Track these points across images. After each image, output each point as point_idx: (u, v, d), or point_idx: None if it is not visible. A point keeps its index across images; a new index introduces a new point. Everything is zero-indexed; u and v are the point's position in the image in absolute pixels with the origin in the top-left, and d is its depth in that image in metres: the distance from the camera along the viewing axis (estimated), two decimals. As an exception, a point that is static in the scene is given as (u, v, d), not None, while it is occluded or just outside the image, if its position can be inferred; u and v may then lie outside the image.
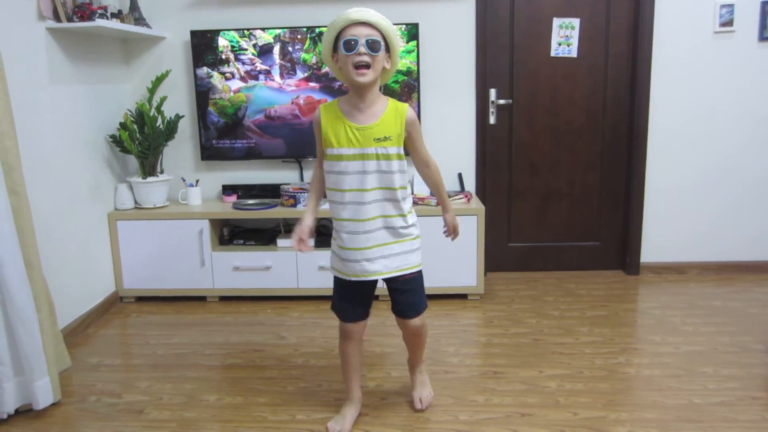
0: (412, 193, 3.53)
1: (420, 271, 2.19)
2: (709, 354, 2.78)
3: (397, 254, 2.11)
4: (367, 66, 1.94)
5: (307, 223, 2.14)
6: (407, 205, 2.13)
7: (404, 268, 2.13)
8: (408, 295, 2.18)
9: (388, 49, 2.00)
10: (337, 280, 2.20)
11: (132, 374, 2.72)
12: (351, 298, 2.18)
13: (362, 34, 1.93)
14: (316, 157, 2.17)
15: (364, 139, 2.00)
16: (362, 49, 1.92)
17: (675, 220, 3.86)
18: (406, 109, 2.06)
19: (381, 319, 3.16)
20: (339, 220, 2.10)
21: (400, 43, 1.98)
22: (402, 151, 2.06)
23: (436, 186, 2.25)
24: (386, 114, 2.03)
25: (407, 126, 2.05)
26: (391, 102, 2.07)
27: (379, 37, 1.95)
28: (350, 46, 1.93)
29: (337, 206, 2.08)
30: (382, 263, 2.09)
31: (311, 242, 3.50)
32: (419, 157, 2.16)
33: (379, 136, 2.00)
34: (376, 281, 2.15)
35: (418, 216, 2.24)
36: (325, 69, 3.54)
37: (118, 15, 3.32)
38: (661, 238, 3.89)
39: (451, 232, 2.30)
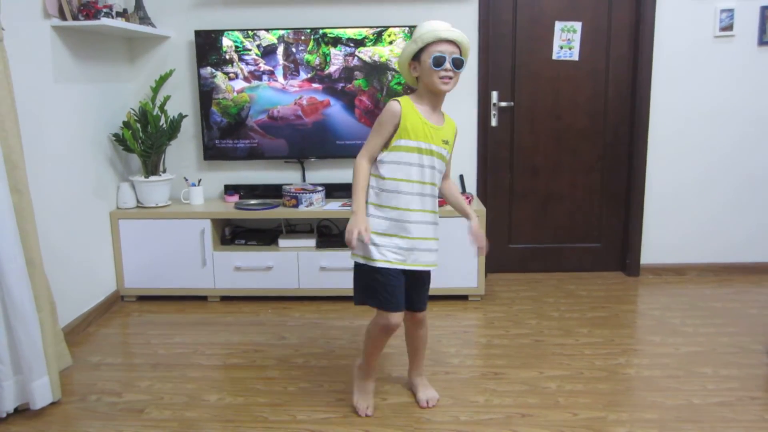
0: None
1: (359, 265, 2.26)
2: (708, 355, 2.79)
3: (435, 250, 2.25)
4: (450, 78, 2.12)
5: (364, 218, 2.12)
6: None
7: (434, 264, 2.27)
8: (425, 289, 2.33)
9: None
10: (382, 272, 2.14)
11: (133, 373, 2.73)
12: (398, 287, 2.17)
13: (449, 51, 2.09)
14: (369, 149, 2.16)
15: (436, 137, 2.16)
16: (448, 65, 2.09)
17: (675, 221, 3.88)
18: (455, 123, 2.29)
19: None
20: (404, 210, 2.14)
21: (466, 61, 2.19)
22: (449, 158, 2.27)
23: (455, 195, 2.38)
24: (446, 121, 2.24)
25: (456, 136, 2.29)
26: (446, 114, 2.27)
27: (461, 56, 2.13)
28: (439, 62, 2.08)
29: (402, 196, 2.14)
30: (433, 256, 2.24)
31: (309, 242, 3.54)
32: (448, 165, 2.31)
33: (444, 138, 2.20)
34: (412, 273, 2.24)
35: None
36: (328, 70, 3.55)
37: (123, 14, 3.33)
38: (661, 239, 3.90)
39: (480, 240, 2.32)
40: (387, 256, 2.14)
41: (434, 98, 2.18)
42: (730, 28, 3.63)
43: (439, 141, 2.17)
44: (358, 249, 2.14)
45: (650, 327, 3.14)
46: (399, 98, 2.16)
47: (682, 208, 3.86)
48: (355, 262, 2.21)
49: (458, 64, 2.11)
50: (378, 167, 2.16)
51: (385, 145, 2.15)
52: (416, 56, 2.13)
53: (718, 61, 3.68)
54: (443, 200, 3.27)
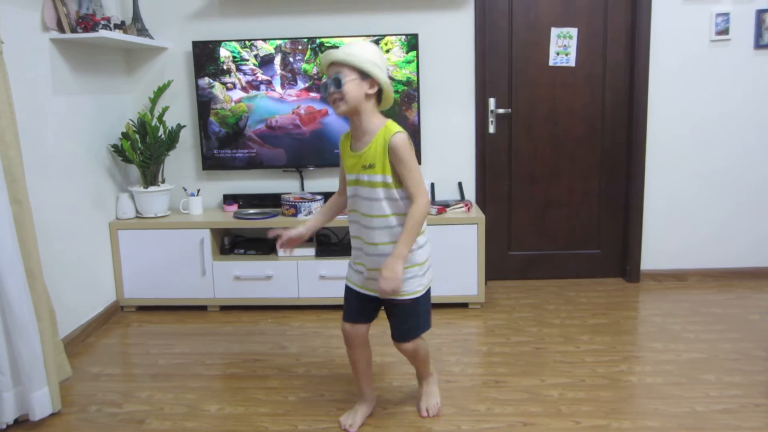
0: (433, 203, 3.55)
1: (416, 299, 2.16)
2: (710, 361, 2.78)
3: (384, 278, 2.02)
4: (339, 99, 2.03)
5: (300, 230, 2.31)
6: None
7: (399, 294, 2.11)
8: (399, 319, 2.20)
9: (366, 77, 2.02)
10: (346, 286, 2.32)
11: (133, 384, 2.72)
12: (353, 302, 2.28)
13: (330, 73, 2.05)
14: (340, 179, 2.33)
15: (356, 165, 2.11)
16: (331, 88, 2.03)
17: (675, 227, 3.87)
18: (391, 136, 2.02)
19: (382, 329, 3.13)
20: (352, 237, 2.24)
21: (373, 67, 2.01)
22: (389, 180, 2.05)
23: (407, 224, 2.03)
24: (374, 142, 2.06)
25: (389, 154, 2.03)
26: (384, 128, 2.06)
27: (341, 73, 2.00)
28: (323, 88, 2.07)
29: (351, 225, 2.22)
30: (373, 284, 2.14)
31: (308, 251, 3.53)
32: (405, 189, 2.07)
33: (365, 163, 2.08)
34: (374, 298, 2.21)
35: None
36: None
37: (121, 26, 3.34)
38: (661, 245, 3.90)
39: (378, 289, 2.04)
40: (349, 275, 2.29)
41: (350, 123, 2.13)
42: (726, 32, 3.64)
43: (359, 168, 2.08)
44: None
45: (652, 333, 3.13)
46: (347, 132, 2.22)
47: (681, 213, 3.86)
48: None
49: (337, 83, 2.00)
50: None
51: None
52: None
53: (714, 66, 3.69)
54: (441, 208, 3.25)
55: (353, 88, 2.01)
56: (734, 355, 2.84)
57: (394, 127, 2.06)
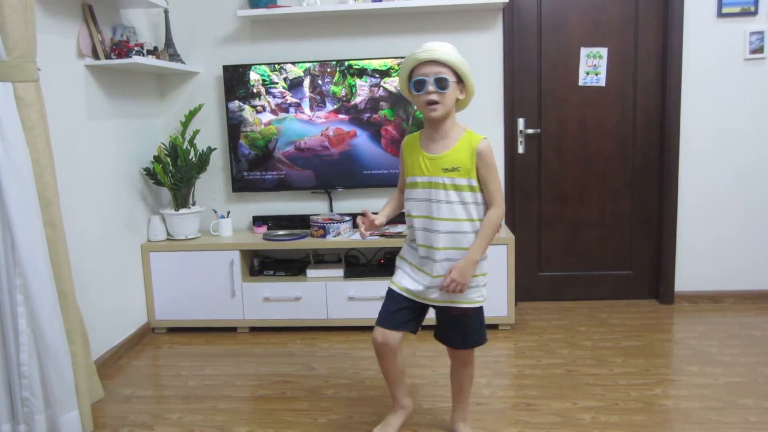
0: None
1: (480, 308, 2.19)
2: (749, 385, 2.70)
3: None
4: (437, 102, 2.00)
5: (380, 217, 2.22)
6: None
7: (463, 302, 2.13)
8: (463, 329, 2.19)
9: (460, 80, 2.05)
10: (389, 292, 2.22)
11: (163, 405, 2.73)
12: (392, 306, 2.18)
13: (431, 72, 1.99)
14: (399, 181, 2.30)
15: (433, 168, 2.07)
16: (431, 87, 1.99)
17: (709, 247, 3.80)
18: (479, 141, 2.06)
19: (411, 350, 3.14)
20: (415, 243, 2.17)
21: (469, 72, 2.04)
22: (474, 183, 2.06)
23: (484, 228, 2.08)
24: (458, 145, 2.07)
25: (477, 157, 2.04)
26: (467, 133, 2.10)
27: (447, 74, 1.99)
28: (419, 86, 2.01)
29: (411, 230, 2.17)
30: (449, 294, 2.10)
31: (337, 272, 3.53)
32: (486, 193, 2.09)
33: (447, 166, 2.05)
34: (428, 306, 2.20)
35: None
36: (354, 101, 3.58)
37: (153, 52, 3.41)
38: (696, 266, 3.82)
39: (447, 282, 2.07)
40: (395, 278, 2.22)
41: (431, 125, 2.10)
42: (760, 50, 3.59)
43: (437, 171, 2.06)
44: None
45: (687, 356, 3.06)
46: (412, 134, 2.21)
47: (716, 233, 3.78)
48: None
49: (443, 84, 1.98)
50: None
51: None
52: (409, 87, 2.10)
53: (749, 84, 3.63)
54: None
55: (452, 91, 2.02)
56: (774, 379, 2.76)
57: (476, 133, 2.10)
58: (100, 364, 3.01)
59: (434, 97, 1.99)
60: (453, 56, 1.99)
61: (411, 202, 2.14)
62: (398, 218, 2.62)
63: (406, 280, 2.17)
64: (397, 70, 3.54)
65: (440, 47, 2.00)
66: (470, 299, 2.13)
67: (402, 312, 2.17)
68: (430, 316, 2.26)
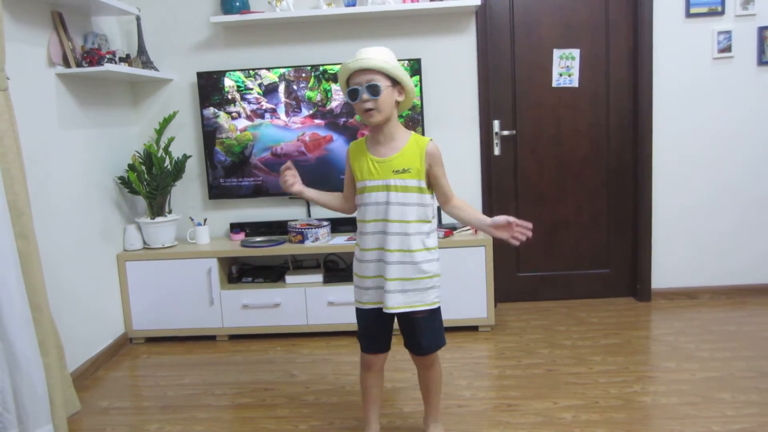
0: (440, 226, 3.54)
1: (436, 310, 2.17)
2: (726, 380, 2.74)
3: (415, 290, 2.09)
4: (372, 108, 2.01)
5: (300, 186, 2.24)
6: (430, 240, 2.13)
7: (419, 305, 2.11)
8: (422, 331, 2.16)
9: (397, 83, 2.05)
10: (358, 311, 2.23)
11: (142, 416, 2.70)
12: (370, 329, 2.21)
13: (362, 80, 2.00)
14: (345, 188, 2.29)
15: (383, 170, 2.07)
16: (364, 96, 2.00)
17: (684, 244, 3.85)
18: (426, 142, 2.09)
19: (392, 353, 3.11)
20: (364, 249, 2.14)
21: (405, 74, 2.05)
22: (423, 185, 2.09)
23: (464, 210, 2.19)
24: (407, 147, 2.08)
25: (427, 158, 2.07)
26: (414, 136, 2.12)
27: (378, 80, 1.99)
28: (353, 95, 2.02)
29: (364, 236, 2.13)
30: (400, 298, 2.09)
31: (316, 277, 3.52)
32: (440, 191, 2.15)
33: (397, 168, 2.06)
34: (393, 314, 2.15)
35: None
36: (330, 106, 3.58)
37: (126, 59, 3.38)
38: (672, 263, 3.86)
39: (515, 221, 2.09)
40: (358, 297, 2.20)
41: (375, 130, 2.10)
42: (728, 49, 3.64)
43: (387, 173, 2.06)
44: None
45: (664, 353, 3.09)
46: (356, 140, 2.22)
47: (690, 230, 3.83)
48: None
49: (374, 90, 1.98)
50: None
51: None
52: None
53: (718, 83, 3.69)
54: (448, 231, 3.24)
55: (387, 96, 2.02)
56: (749, 373, 2.79)
57: (421, 136, 2.15)
58: (77, 376, 2.97)
59: (369, 104, 2.00)
60: (381, 61, 2.00)
61: (364, 207, 2.12)
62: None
63: (367, 295, 2.16)
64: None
65: (370, 54, 2.01)
66: (428, 302, 2.12)
67: (378, 326, 2.19)
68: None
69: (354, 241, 2.22)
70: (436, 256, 2.14)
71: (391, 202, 2.06)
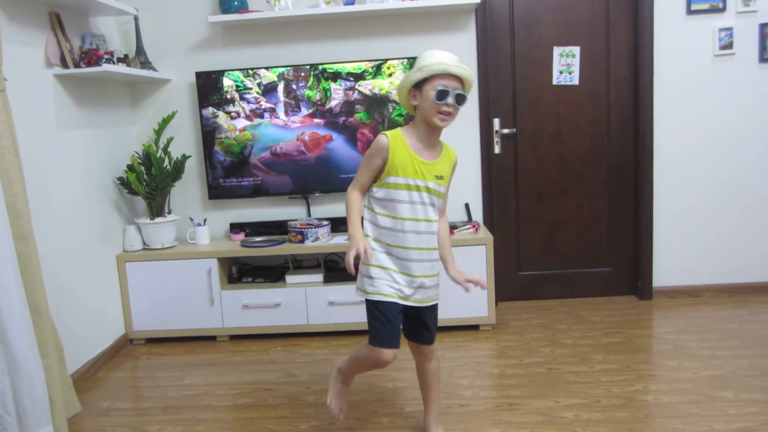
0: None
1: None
2: (728, 378, 2.73)
3: (436, 285, 2.21)
4: (449, 114, 2.06)
5: (362, 237, 2.10)
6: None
7: (436, 298, 2.23)
8: (433, 322, 2.25)
9: None
10: (378, 305, 2.10)
11: (143, 417, 2.69)
12: (393, 322, 2.11)
13: (452, 86, 2.03)
14: (359, 182, 2.15)
15: (428, 173, 2.10)
16: (450, 100, 2.03)
17: (686, 242, 3.83)
18: (455, 154, 2.21)
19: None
20: (398, 247, 2.10)
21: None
22: (445, 191, 2.20)
23: (445, 238, 2.24)
24: (443, 155, 2.16)
25: (453, 169, 2.21)
26: (444, 145, 2.19)
27: (464, 92, 2.07)
28: (442, 96, 2.02)
29: (396, 234, 2.10)
30: (430, 292, 2.18)
31: (316, 277, 3.51)
32: (443, 202, 2.23)
33: (438, 174, 2.12)
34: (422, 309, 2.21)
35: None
36: (329, 105, 3.57)
37: (124, 59, 3.37)
38: (673, 261, 3.85)
39: (475, 280, 2.18)
40: (382, 289, 2.10)
41: (430, 131, 2.11)
42: (729, 46, 3.63)
43: (431, 176, 2.09)
44: (359, 282, 2.16)
45: (666, 351, 3.08)
46: (389, 131, 2.11)
47: (692, 228, 3.82)
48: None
49: (460, 100, 2.04)
50: (371, 202, 2.14)
51: (375, 179, 2.12)
52: (418, 85, 2.06)
53: (719, 80, 3.68)
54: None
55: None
56: (752, 371, 2.78)
57: (448, 145, 2.23)
58: (77, 378, 2.96)
59: (450, 110, 2.04)
60: (472, 76, 2.09)
61: (398, 203, 2.08)
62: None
63: (391, 288, 2.11)
64: (371, 73, 3.53)
65: (465, 68, 2.05)
66: (436, 296, 2.23)
67: (398, 324, 2.16)
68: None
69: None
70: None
71: (427, 204, 2.11)
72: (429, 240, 2.14)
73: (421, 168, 2.08)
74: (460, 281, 2.19)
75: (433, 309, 2.23)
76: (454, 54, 2.11)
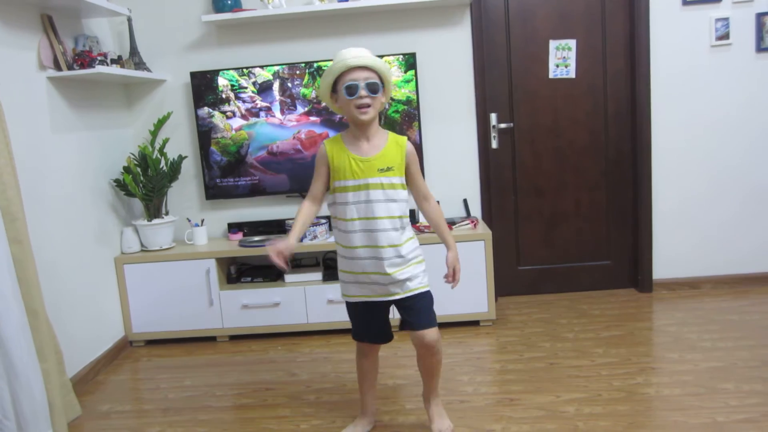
0: (416, 223, 3.52)
1: (429, 291, 2.23)
2: (729, 370, 2.72)
3: (410, 277, 2.17)
4: (368, 105, 2.07)
5: (292, 242, 2.14)
6: (410, 231, 2.22)
7: (417, 288, 2.19)
8: (422, 310, 2.21)
9: (383, 88, 2.13)
10: (349, 305, 2.30)
11: (143, 420, 2.69)
12: (363, 319, 2.28)
13: (361, 77, 2.05)
14: (311, 192, 2.24)
15: (367, 169, 2.10)
16: (363, 92, 2.05)
17: (685, 234, 3.82)
18: (405, 141, 2.17)
19: (393, 350, 3.12)
20: (351, 247, 2.16)
21: (392, 77, 2.19)
22: (404, 182, 2.17)
23: (436, 221, 2.28)
24: (387, 146, 2.15)
25: (407, 157, 2.16)
26: (391, 135, 2.19)
27: (376, 79, 2.07)
28: (352, 90, 2.05)
29: (348, 235, 2.15)
30: (395, 287, 2.16)
31: (315, 275, 3.50)
32: (418, 190, 2.24)
33: (382, 167, 2.11)
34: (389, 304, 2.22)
35: (425, 243, 2.38)
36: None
37: (118, 61, 3.35)
38: (673, 253, 3.84)
39: (450, 275, 2.25)
40: (348, 290, 2.24)
41: (360, 128, 2.13)
42: (726, 36, 3.61)
43: (372, 171, 2.11)
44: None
45: (667, 344, 3.07)
46: (329, 138, 2.21)
47: (691, 220, 3.80)
48: None
49: (374, 88, 2.06)
50: (330, 209, 2.22)
51: (328, 188, 2.20)
52: (334, 89, 2.13)
53: (716, 71, 3.66)
54: (447, 225, 3.22)
55: (380, 97, 2.11)
56: (753, 362, 2.77)
57: (396, 134, 2.21)
58: (77, 381, 2.95)
59: (366, 101, 2.06)
60: (380, 62, 2.09)
61: (344, 206, 2.14)
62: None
63: (356, 289, 2.22)
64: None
65: (362, 53, 2.08)
66: (423, 284, 2.21)
67: (372, 316, 2.24)
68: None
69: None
70: (418, 244, 2.25)
71: (379, 200, 2.11)
72: (381, 237, 2.12)
73: (360, 166, 2.11)
74: (449, 266, 2.25)
75: (411, 300, 2.19)
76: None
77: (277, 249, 2.09)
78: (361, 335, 2.31)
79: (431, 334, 2.18)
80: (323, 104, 3.54)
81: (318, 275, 3.53)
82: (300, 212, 2.24)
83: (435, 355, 2.24)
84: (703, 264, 3.85)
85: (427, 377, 2.32)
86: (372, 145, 2.14)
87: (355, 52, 2.07)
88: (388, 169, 2.12)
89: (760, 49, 3.62)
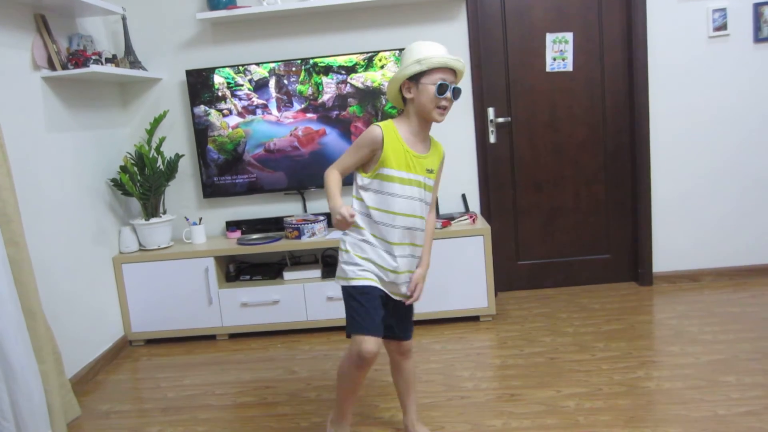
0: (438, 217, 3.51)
1: None
2: (730, 362, 2.71)
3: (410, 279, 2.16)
4: (445, 108, 2.04)
5: (341, 202, 1.98)
6: None
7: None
8: (410, 318, 2.23)
9: None
10: (360, 289, 2.03)
11: (143, 419, 2.68)
12: (376, 309, 2.04)
13: (450, 80, 2.02)
14: (342, 165, 2.08)
15: (419, 167, 2.07)
16: (448, 94, 2.01)
17: (685, 227, 3.81)
18: (443, 149, 2.18)
19: (382, 351, 3.10)
20: (389, 242, 2.05)
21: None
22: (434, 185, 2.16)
23: (428, 233, 2.17)
24: (433, 149, 2.13)
25: (441, 164, 2.18)
26: (433, 139, 2.16)
27: (460, 86, 2.07)
28: (443, 90, 1.99)
29: (387, 228, 2.04)
30: (405, 286, 2.14)
31: (314, 272, 3.49)
32: (432, 197, 2.19)
33: (429, 168, 2.09)
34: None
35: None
36: (322, 99, 3.54)
37: (112, 60, 3.34)
38: (673, 246, 3.83)
39: (411, 290, 2.13)
40: (365, 275, 2.04)
41: (423, 125, 2.07)
42: (723, 27, 3.60)
43: (423, 171, 2.06)
44: (340, 272, 2.10)
45: (668, 337, 3.06)
46: (382, 123, 2.04)
47: (691, 212, 3.79)
48: (342, 288, 2.09)
49: (457, 94, 2.04)
50: (360, 193, 2.08)
51: (365, 170, 2.06)
52: (413, 77, 2.00)
53: (714, 62, 3.64)
54: (446, 222, 3.23)
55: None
56: (754, 354, 2.77)
57: (436, 140, 2.19)
58: (77, 381, 2.95)
59: (447, 104, 2.02)
60: (464, 70, 2.07)
61: (391, 197, 2.02)
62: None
63: (374, 275, 2.06)
64: (363, 65, 3.50)
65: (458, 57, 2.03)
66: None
67: (380, 312, 2.06)
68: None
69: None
70: None
71: (422, 199, 2.09)
72: (416, 236, 2.09)
73: (414, 162, 2.04)
74: (413, 282, 2.13)
75: (410, 306, 2.20)
76: (446, 43, 2.10)
77: (342, 214, 1.90)
78: (368, 326, 2.01)
79: (411, 343, 2.25)
80: (320, 101, 3.53)
81: (317, 272, 3.52)
82: (332, 180, 2.05)
83: (411, 357, 2.26)
84: (704, 256, 3.83)
85: (411, 385, 2.29)
86: (425, 146, 2.10)
87: (445, 50, 2.02)
88: (431, 171, 2.10)
89: (758, 39, 3.60)
